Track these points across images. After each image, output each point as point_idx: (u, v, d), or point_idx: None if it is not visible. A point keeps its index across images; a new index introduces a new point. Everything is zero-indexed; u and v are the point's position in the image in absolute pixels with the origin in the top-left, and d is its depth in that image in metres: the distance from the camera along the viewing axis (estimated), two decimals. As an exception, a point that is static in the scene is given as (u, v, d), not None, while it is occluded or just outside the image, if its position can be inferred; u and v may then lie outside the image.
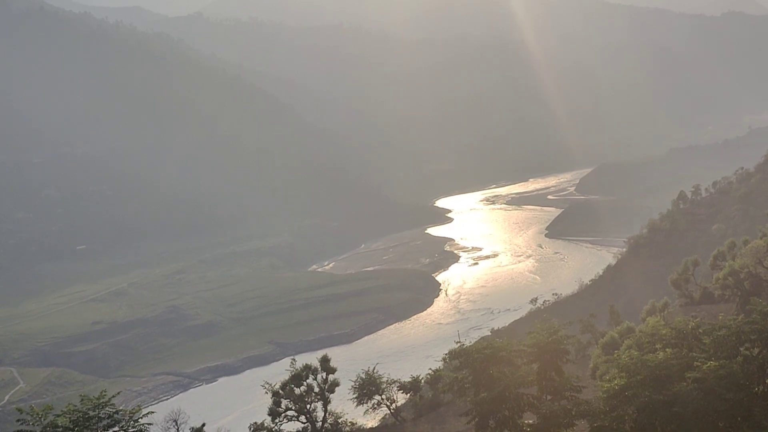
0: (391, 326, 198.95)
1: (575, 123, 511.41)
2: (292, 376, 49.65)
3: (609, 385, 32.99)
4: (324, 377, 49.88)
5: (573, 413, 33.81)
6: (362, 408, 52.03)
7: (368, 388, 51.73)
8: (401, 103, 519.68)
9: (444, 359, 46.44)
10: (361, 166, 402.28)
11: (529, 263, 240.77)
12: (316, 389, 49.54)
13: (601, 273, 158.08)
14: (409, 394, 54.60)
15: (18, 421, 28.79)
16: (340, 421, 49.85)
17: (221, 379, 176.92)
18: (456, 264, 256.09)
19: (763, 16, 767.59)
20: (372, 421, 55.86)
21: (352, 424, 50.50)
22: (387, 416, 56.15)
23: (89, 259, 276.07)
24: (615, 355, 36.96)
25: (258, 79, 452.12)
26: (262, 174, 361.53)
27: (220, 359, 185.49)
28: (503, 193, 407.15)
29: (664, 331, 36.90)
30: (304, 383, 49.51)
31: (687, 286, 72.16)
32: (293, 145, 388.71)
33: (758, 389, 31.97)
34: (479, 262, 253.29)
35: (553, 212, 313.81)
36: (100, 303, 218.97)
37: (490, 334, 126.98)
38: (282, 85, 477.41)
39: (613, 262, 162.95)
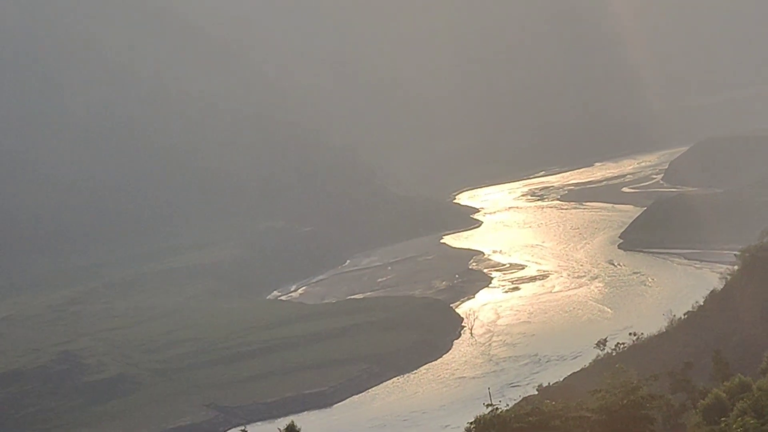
0: (390, 381, 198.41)
1: (662, 78, 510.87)
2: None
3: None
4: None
5: None
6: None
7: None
8: (406, 51, 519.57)
9: (468, 430, 46.34)
10: (346, 143, 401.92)
11: (595, 288, 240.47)
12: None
13: (701, 302, 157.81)
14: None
15: None
16: None
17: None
18: (486, 289, 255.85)
19: None
20: None
21: None
22: None
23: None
24: (723, 425, 36.93)
25: (195, 14, 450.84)
26: (197, 153, 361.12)
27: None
28: (556, 184, 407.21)
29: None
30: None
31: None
32: (246, 111, 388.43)
33: None
34: (520, 286, 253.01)
35: (630, 212, 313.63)
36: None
37: (536, 393, 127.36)
38: (231, 23, 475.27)
39: (720, 285, 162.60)
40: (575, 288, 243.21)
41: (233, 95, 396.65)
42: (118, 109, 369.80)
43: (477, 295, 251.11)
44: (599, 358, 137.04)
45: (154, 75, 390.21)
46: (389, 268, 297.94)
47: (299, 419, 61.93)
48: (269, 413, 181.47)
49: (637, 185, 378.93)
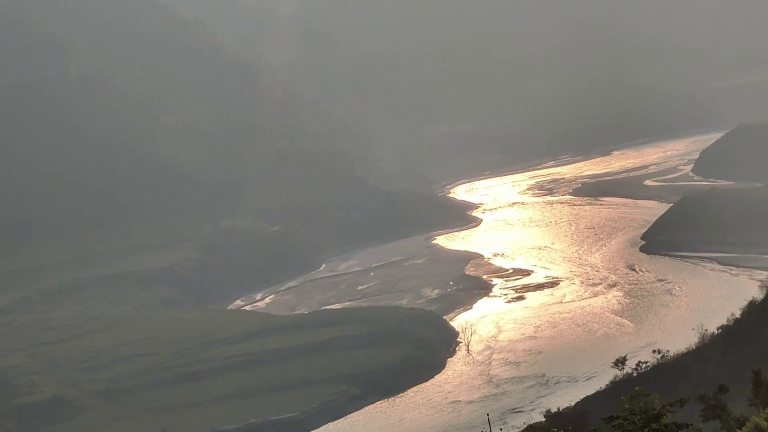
0: (372, 406, 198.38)
1: (692, 51, 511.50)
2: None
3: None
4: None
5: None
6: None
7: None
8: (391, 25, 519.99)
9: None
10: (322, 129, 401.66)
11: (613, 298, 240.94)
12: None
13: (737, 315, 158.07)
14: None
15: None
16: None
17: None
18: (485, 299, 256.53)
19: None
20: None
21: None
22: None
23: None
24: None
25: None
26: (148, 141, 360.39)
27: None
28: (567, 176, 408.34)
29: None
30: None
31: None
32: (203, 92, 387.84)
33: None
34: (526, 295, 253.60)
35: (654, 209, 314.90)
36: None
37: (543, 420, 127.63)
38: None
39: (760, 295, 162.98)
40: (590, 298, 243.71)
41: (188, 73, 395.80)
42: (54, 90, 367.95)
43: (475, 306, 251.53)
44: (617, 379, 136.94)
45: (95, 51, 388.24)
46: (371, 273, 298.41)
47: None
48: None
49: (663, 178, 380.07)
